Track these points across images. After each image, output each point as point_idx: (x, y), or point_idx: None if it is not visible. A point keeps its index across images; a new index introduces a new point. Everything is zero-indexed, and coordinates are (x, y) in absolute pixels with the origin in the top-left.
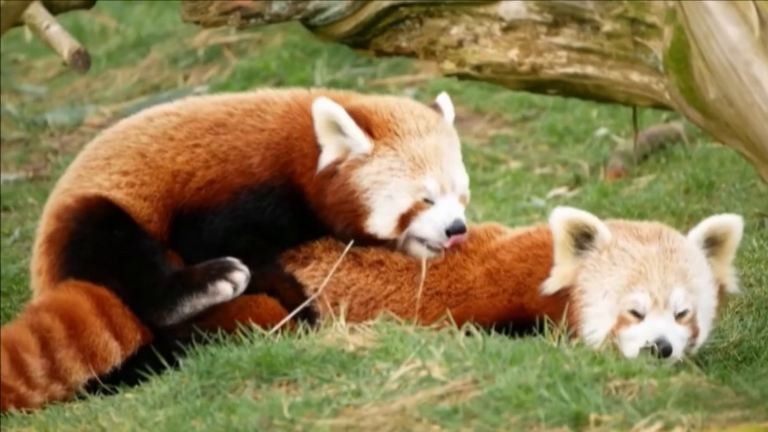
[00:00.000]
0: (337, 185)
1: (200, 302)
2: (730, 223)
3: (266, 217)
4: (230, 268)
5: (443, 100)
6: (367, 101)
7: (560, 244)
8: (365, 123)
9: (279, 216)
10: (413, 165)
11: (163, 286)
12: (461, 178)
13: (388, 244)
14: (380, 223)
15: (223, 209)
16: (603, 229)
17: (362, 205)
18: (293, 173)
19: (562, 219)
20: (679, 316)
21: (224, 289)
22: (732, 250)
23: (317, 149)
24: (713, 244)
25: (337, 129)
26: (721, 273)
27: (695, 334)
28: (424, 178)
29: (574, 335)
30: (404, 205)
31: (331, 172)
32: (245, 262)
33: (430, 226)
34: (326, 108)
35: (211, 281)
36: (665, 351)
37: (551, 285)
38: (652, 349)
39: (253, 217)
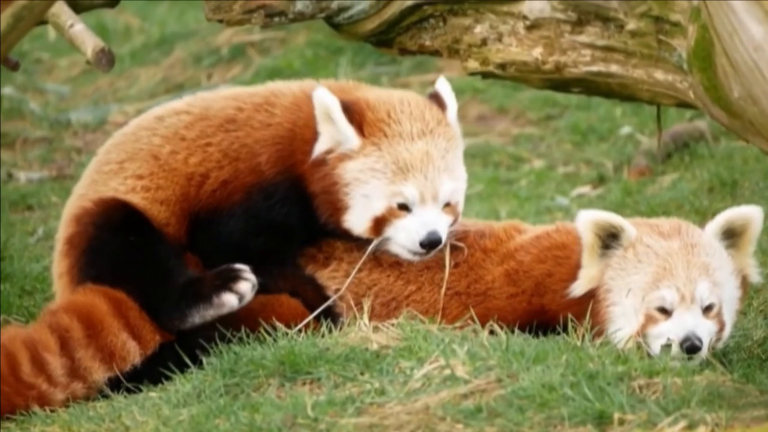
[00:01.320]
0: (323, 174)
1: (208, 313)
2: (749, 214)
3: (276, 215)
4: (236, 278)
5: (443, 86)
6: (372, 95)
7: (588, 247)
8: (359, 118)
9: (286, 213)
10: (395, 169)
11: (175, 295)
12: (449, 188)
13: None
14: (355, 221)
15: (237, 210)
16: (628, 227)
17: (341, 200)
18: (295, 164)
19: (588, 221)
20: (706, 310)
21: (229, 301)
22: (752, 241)
23: (317, 136)
24: (732, 235)
25: (332, 120)
26: (743, 264)
27: (721, 327)
28: (403, 185)
29: (599, 334)
30: (379, 207)
31: (322, 160)
32: (264, 263)
33: (403, 235)
34: (323, 98)
35: (216, 293)
36: (695, 347)
37: (579, 288)
38: (681, 346)
39: (265, 216)
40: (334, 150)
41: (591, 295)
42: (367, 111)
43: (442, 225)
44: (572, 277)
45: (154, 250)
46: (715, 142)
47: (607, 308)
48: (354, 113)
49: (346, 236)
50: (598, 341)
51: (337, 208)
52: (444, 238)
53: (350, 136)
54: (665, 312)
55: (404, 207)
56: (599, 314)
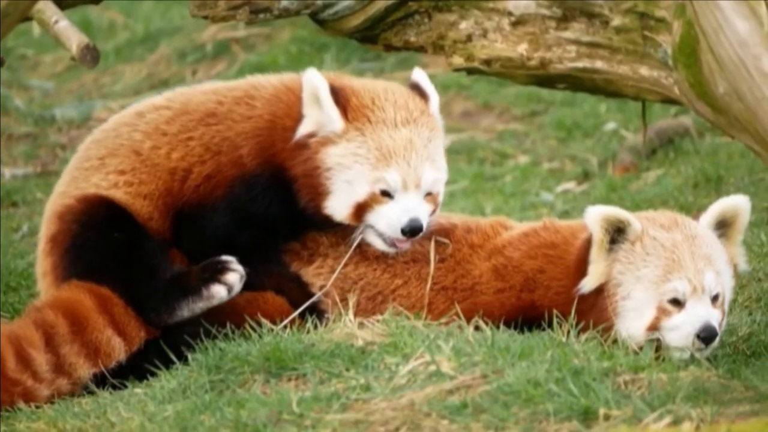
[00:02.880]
0: (305, 157)
1: (197, 306)
2: (738, 204)
3: (258, 207)
4: (223, 269)
5: (420, 78)
6: (356, 83)
7: (597, 242)
8: (344, 103)
9: (267, 204)
10: (378, 155)
11: (161, 290)
12: (431, 176)
13: (346, 229)
14: (336, 206)
15: (220, 204)
16: (634, 221)
17: (323, 184)
18: (275, 153)
19: (598, 217)
20: (713, 300)
21: (218, 292)
22: (741, 230)
23: (298, 122)
24: (723, 226)
25: (318, 102)
26: (733, 253)
27: (723, 317)
28: (386, 171)
29: (606, 330)
30: (361, 193)
31: (304, 143)
32: (249, 259)
33: (385, 221)
34: (313, 79)
35: (205, 285)
36: (713, 336)
37: (589, 283)
38: (698, 336)
39: (248, 209)
40: (317, 133)
41: (596, 291)
42: (353, 96)
43: (423, 213)
44: (567, 275)
45: (139, 245)
46: (700, 138)
47: (618, 303)
48: (340, 97)
49: (327, 223)
50: (583, 337)
51: (318, 193)
52: (425, 226)
53: (335, 119)
54: (678, 304)
55: (386, 194)
56: (608, 309)
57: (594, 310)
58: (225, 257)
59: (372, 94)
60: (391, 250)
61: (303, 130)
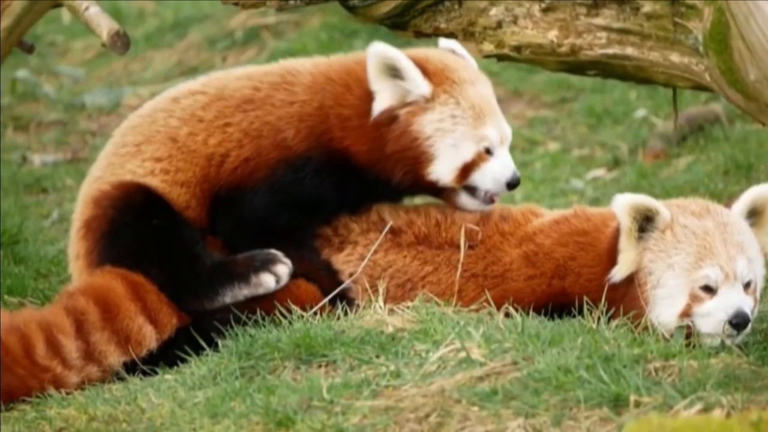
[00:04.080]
0: (398, 132)
1: (242, 293)
2: None
3: (305, 188)
4: (274, 260)
5: (452, 44)
6: (412, 51)
7: (625, 231)
8: (422, 69)
9: (318, 185)
10: (474, 114)
11: (205, 275)
12: (509, 129)
13: (445, 194)
14: (442, 170)
15: (261, 186)
16: (663, 209)
17: (425, 152)
18: (332, 140)
19: (625, 206)
20: (746, 287)
21: (267, 281)
22: None
23: (363, 101)
24: (753, 214)
25: (393, 73)
26: (764, 242)
27: (755, 304)
28: (485, 128)
29: (638, 317)
30: (468, 154)
31: (390, 119)
32: (284, 244)
33: (490, 177)
34: (384, 51)
35: (255, 272)
36: (745, 322)
37: (620, 272)
38: (731, 322)
39: (292, 191)
40: (398, 106)
41: (627, 280)
42: (424, 63)
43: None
44: (598, 262)
45: (179, 232)
46: (731, 125)
47: (650, 291)
48: (416, 64)
49: (428, 189)
50: (613, 324)
51: (420, 162)
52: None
53: (421, 84)
54: (710, 290)
55: (488, 150)
56: (639, 298)
57: (626, 299)
58: (274, 251)
59: (439, 57)
60: (486, 208)
61: (380, 105)
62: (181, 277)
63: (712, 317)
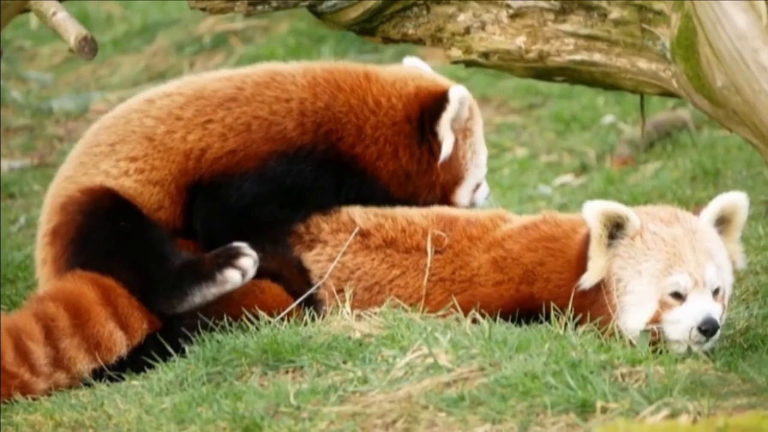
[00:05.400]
0: (450, 162)
1: (210, 291)
2: (737, 201)
3: (302, 178)
4: (237, 254)
5: (416, 62)
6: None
7: (596, 238)
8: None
9: (318, 177)
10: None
11: (172, 276)
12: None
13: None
14: (466, 192)
15: (251, 175)
16: (633, 216)
17: (461, 176)
18: (340, 141)
19: (596, 212)
20: (714, 293)
21: (232, 277)
22: (740, 227)
23: (401, 128)
24: (721, 222)
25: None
26: (732, 250)
27: (723, 311)
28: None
29: (604, 323)
30: (481, 176)
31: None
32: (261, 237)
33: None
34: (464, 98)
35: (219, 270)
36: (714, 329)
37: (589, 279)
38: (700, 329)
39: (283, 181)
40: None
41: (596, 287)
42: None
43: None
44: (567, 269)
45: (147, 234)
46: (698, 131)
47: (620, 298)
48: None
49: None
50: (580, 330)
51: (455, 184)
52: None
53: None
54: (679, 297)
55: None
56: (608, 305)
57: (594, 305)
58: (237, 243)
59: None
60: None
61: (447, 149)
62: (150, 278)
63: (681, 324)
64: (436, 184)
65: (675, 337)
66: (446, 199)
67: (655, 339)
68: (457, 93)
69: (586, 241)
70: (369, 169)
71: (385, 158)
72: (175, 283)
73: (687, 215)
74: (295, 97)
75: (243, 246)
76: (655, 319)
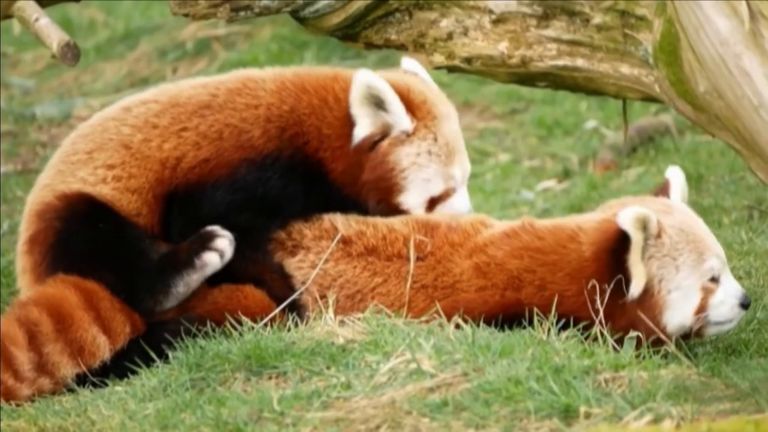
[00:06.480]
0: (375, 161)
1: (192, 279)
2: (680, 174)
3: (270, 187)
4: (212, 236)
5: (416, 67)
6: (393, 77)
7: (637, 245)
8: (405, 102)
9: (286, 185)
10: (447, 152)
11: (154, 270)
12: (469, 166)
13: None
14: (413, 202)
15: (224, 183)
16: (652, 214)
17: (398, 184)
18: (306, 145)
19: (633, 219)
20: None
21: (211, 260)
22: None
23: (343, 123)
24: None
25: (377, 104)
26: None
27: None
28: (453, 167)
29: (650, 331)
30: (437, 190)
31: (368, 146)
32: (240, 243)
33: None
34: (371, 81)
35: (197, 255)
36: (749, 301)
37: (638, 287)
38: (742, 304)
39: (255, 189)
40: (378, 134)
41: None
42: (408, 94)
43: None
44: (572, 281)
45: (125, 233)
46: (681, 136)
47: (667, 296)
48: (400, 96)
49: (397, 213)
50: (564, 335)
51: (392, 192)
52: None
53: (404, 120)
54: (714, 280)
55: (453, 189)
56: (656, 307)
57: (641, 310)
58: (211, 227)
59: (420, 89)
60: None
61: (361, 133)
62: (132, 276)
63: (725, 305)
64: (371, 187)
65: (722, 318)
66: (389, 205)
67: (698, 330)
68: (360, 75)
69: (597, 253)
70: (335, 177)
71: (340, 163)
72: (156, 277)
73: (668, 201)
74: (263, 103)
75: (216, 228)
76: (702, 307)
